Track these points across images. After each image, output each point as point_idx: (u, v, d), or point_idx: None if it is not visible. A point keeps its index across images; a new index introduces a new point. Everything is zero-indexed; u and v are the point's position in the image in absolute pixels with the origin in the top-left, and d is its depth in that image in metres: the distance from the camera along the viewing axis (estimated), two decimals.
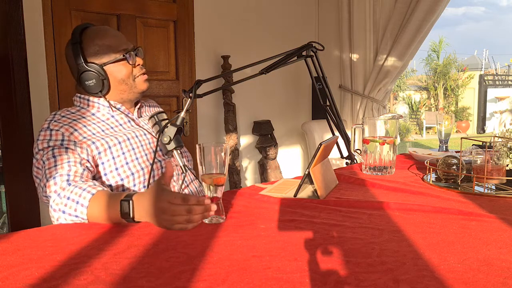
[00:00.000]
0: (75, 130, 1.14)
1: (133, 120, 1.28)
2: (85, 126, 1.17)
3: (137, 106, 1.33)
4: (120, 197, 0.90)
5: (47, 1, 2.16)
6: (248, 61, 1.47)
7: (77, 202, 0.95)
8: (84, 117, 1.20)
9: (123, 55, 1.22)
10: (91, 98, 1.24)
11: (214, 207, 0.83)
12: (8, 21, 2.06)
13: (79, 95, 1.26)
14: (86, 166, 1.09)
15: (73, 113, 1.21)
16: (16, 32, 2.08)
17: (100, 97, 1.23)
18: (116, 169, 1.15)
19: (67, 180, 1.01)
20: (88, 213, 0.94)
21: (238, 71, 1.43)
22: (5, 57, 2.07)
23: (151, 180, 1.20)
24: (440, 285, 0.58)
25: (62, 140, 1.11)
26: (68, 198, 0.96)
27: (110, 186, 1.15)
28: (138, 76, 1.25)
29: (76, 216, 0.95)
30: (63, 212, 0.96)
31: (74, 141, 1.12)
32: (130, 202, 0.88)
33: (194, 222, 0.82)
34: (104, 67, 1.20)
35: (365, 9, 3.03)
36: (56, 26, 2.21)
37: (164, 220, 0.83)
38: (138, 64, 1.26)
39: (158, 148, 1.21)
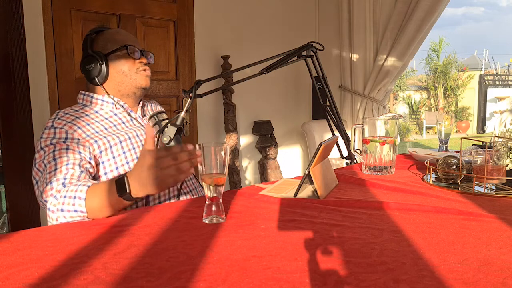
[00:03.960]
0: (79, 127, 1.15)
1: (135, 119, 1.29)
2: (88, 124, 1.18)
3: (140, 105, 1.33)
4: (114, 180, 0.93)
5: (47, 1, 2.16)
6: (248, 61, 1.47)
7: (74, 197, 0.95)
8: (87, 115, 1.21)
9: (125, 46, 1.24)
10: (94, 96, 1.25)
11: (199, 151, 0.85)
12: (8, 21, 2.06)
13: (83, 92, 1.28)
14: (85, 167, 1.09)
15: (76, 110, 1.22)
16: (16, 32, 2.08)
17: (98, 84, 1.24)
18: (117, 168, 1.16)
19: (63, 184, 1.01)
20: (87, 205, 0.94)
21: (238, 71, 1.43)
22: (5, 57, 2.07)
23: None
24: (440, 285, 0.58)
25: (66, 138, 1.11)
26: (65, 197, 0.96)
27: None
28: (140, 70, 1.26)
29: (75, 211, 0.95)
30: (62, 210, 0.96)
31: (78, 139, 1.12)
32: (125, 178, 0.90)
33: (184, 170, 0.86)
34: (107, 57, 1.23)
35: (365, 9, 3.03)
36: (56, 26, 2.21)
37: (156, 177, 0.85)
38: (141, 61, 1.26)
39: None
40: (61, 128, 1.13)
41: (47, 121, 1.17)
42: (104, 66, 1.22)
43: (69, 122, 1.15)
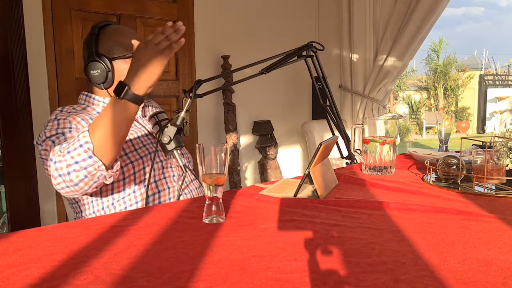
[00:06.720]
0: (82, 119, 1.15)
1: (136, 119, 1.29)
2: (90, 122, 1.18)
3: (141, 106, 1.33)
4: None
5: (47, 1, 2.16)
6: (248, 61, 1.47)
7: (78, 140, 0.95)
8: (89, 114, 1.21)
9: (133, 53, 1.22)
10: (96, 97, 1.25)
11: (183, 26, 0.95)
12: (8, 21, 2.06)
13: (85, 93, 1.27)
14: None
15: (78, 110, 1.22)
16: (16, 32, 2.08)
17: (103, 89, 1.23)
18: (121, 167, 1.16)
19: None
20: (91, 133, 0.94)
21: (238, 71, 1.43)
22: (5, 57, 2.07)
23: (152, 180, 1.20)
24: (440, 285, 0.58)
25: (70, 128, 1.11)
26: (68, 148, 0.96)
27: (112, 183, 1.15)
28: None
29: (81, 146, 0.94)
30: (68, 152, 0.94)
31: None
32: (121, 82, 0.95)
33: (174, 39, 0.94)
34: (112, 62, 1.20)
35: (365, 9, 3.03)
36: (56, 26, 2.21)
37: (151, 52, 0.93)
38: None
39: (158, 148, 1.21)
40: (64, 119, 1.13)
41: (50, 116, 1.17)
42: (110, 74, 1.20)
43: (72, 113, 1.16)
